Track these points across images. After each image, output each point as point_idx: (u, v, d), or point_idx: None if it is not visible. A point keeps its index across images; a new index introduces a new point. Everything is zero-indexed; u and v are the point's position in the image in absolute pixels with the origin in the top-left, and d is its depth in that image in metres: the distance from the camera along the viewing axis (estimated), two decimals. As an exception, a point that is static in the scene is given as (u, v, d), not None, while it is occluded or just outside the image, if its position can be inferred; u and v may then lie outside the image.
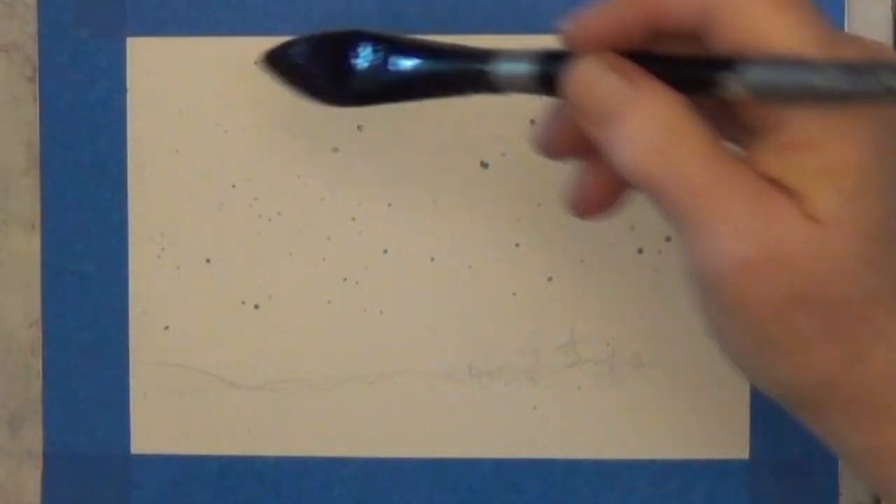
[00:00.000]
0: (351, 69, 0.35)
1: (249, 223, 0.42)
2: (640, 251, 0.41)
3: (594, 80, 0.30)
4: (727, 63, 0.29)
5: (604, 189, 0.34)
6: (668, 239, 0.41)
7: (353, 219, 0.42)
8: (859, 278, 0.30)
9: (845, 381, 0.31)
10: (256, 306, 0.42)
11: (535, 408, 0.42)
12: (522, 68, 0.32)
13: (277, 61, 0.37)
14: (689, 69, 0.30)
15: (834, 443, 0.33)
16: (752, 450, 0.41)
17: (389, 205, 0.41)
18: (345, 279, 0.42)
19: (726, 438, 0.41)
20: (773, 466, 0.41)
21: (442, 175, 0.41)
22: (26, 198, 0.42)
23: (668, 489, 0.41)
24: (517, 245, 0.41)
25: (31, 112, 0.42)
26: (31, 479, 0.43)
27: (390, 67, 0.35)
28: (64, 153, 0.42)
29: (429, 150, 0.41)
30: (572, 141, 0.33)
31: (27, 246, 0.42)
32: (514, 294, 0.41)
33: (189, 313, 0.42)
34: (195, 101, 0.41)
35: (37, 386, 0.42)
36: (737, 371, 0.32)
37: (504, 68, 0.32)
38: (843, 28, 0.40)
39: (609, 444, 0.41)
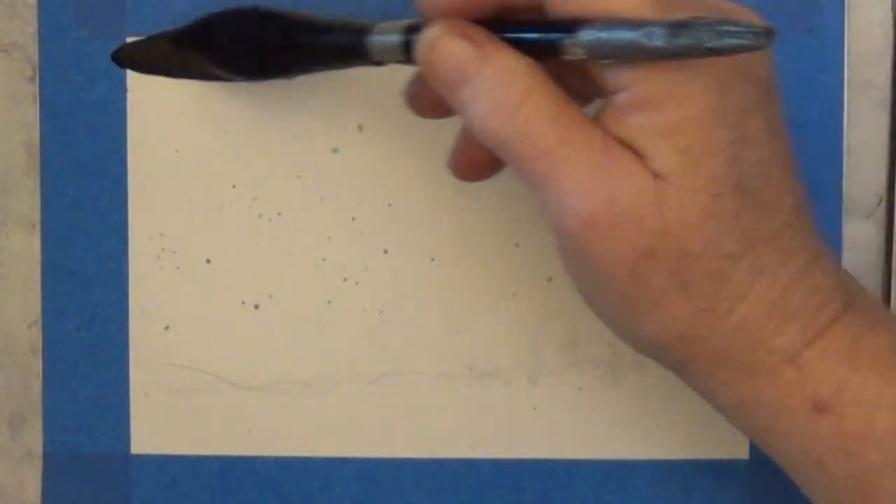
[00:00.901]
0: (243, 47, 0.38)
1: (250, 223, 0.42)
2: (640, 251, 0.41)
3: (442, 45, 0.31)
4: (568, 27, 0.30)
5: (476, 152, 0.35)
6: (668, 239, 0.41)
7: (354, 219, 0.42)
8: (707, 234, 0.30)
9: (705, 335, 0.32)
10: (256, 306, 0.42)
11: (535, 408, 0.42)
12: (394, 39, 0.33)
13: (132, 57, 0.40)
14: (536, 34, 0.31)
15: (710, 399, 0.34)
16: (753, 449, 0.41)
17: (389, 205, 0.41)
18: (345, 279, 0.42)
19: (726, 438, 0.41)
20: (773, 466, 0.41)
21: (442, 175, 0.41)
22: (26, 198, 0.42)
23: (668, 489, 0.41)
24: (517, 245, 0.41)
25: (32, 112, 0.42)
26: (31, 479, 0.43)
27: (278, 42, 0.37)
28: (64, 153, 0.42)
29: (429, 150, 0.41)
30: (436, 102, 0.33)
31: (27, 246, 0.42)
32: (514, 294, 0.41)
33: (189, 313, 0.42)
34: (195, 101, 0.41)
35: (37, 386, 0.42)
36: (607, 326, 0.33)
37: (379, 40, 0.34)
38: (843, 30, 0.40)
39: (609, 444, 0.41)
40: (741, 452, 0.41)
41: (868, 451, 0.32)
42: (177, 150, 0.42)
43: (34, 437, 0.42)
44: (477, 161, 0.36)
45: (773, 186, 0.31)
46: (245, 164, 0.41)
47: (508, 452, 0.42)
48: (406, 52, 0.33)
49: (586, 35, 0.30)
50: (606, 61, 0.30)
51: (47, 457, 0.42)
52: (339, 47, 0.35)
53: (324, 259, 0.42)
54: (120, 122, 0.42)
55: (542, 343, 0.41)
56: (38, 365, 0.42)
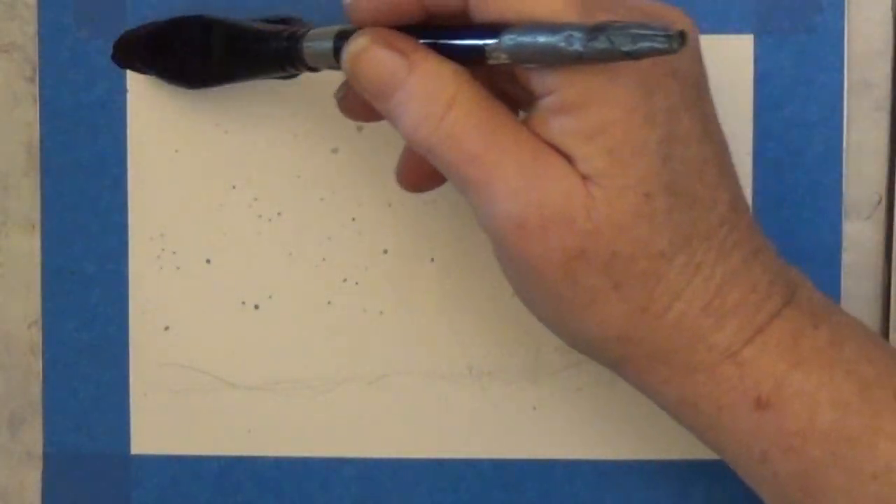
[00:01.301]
0: (185, 54, 0.38)
1: (249, 223, 0.42)
2: (640, 251, 0.41)
3: (368, 56, 0.31)
4: (490, 31, 0.30)
5: (419, 162, 0.34)
6: (667, 239, 0.41)
7: (353, 219, 0.42)
8: (637, 233, 0.30)
9: (641, 335, 0.32)
10: (256, 307, 0.42)
11: (534, 408, 0.42)
12: (325, 45, 0.33)
13: (123, 54, 0.40)
14: (460, 40, 0.31)
15: (652, 397, 0.34)
16: (752, 450, 0.41)
17: (389, 205, 0.41)
18: (345, 279, 0.42)
19: (726, 439, 0.41)
20: (772, 467, 0.41)
21: (442, 175, 0.41)
22: (26, 198, 0.42)
23: (666, 489, 0.41)
24: (517, 245, 0.41)
25: (31, 112, 0.42)
26: (31, 480, 0.43)
27: (215, 50, 0.37)
28: (64, 154, 0.42)
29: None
30: (366, 106, 0.33)
31: (27, 246, 0.42)
32: (513, 294, 0.41)
33: (189, 314, 0.42)
34: (195, 101, 0.41)
35: (37, 386, 0.42)
36: (546, 328, 0.33)
37: (311, 46, 0.34)
38: (843, 30, 0.40)
39: (609, 444, 0.41)
40: (741, 452, 0.41)
41: (811, 447, 0.32)
42: (176, 151, 0.42)
43: (34, 437, 0.42)
44: (421, 171, 0.36)
45: (707, 184, 0.31)
46: (245, 164, 0.41)
47: (508, 452, 0.42)
48: (337, 59, 0.33)
49: (507, 39, 0.30)
50: (529, 65, 0.30)
51: (47, 457, 0.42)
52: (277, 54, 0.35)
53: (324, 259, 0.42)
54: (120, 122, 0.42)
55: (542, 343, 0.41)
56: (38, 365, 0.42)
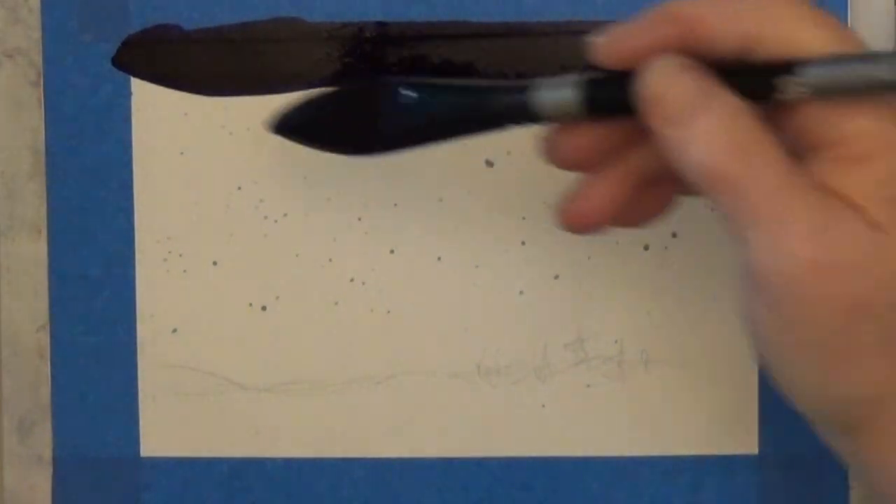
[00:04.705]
0: (383, 118, 0.36)
1: (256, 225, 0.42)
2: (647, 247, 0.41)
3: (671, 79, 0.31)
4: (784, 66, 0.30)
5: (607, 202, 0.34)
6: (674, 235, 0.41)
7: (360, 219, 0.42)
8: None
9: None
10: (264, 308, 0.42)
11: (543, 406, 0.42)
12: (565, 94, 0.32)
13: (292, 124, 0.37)
14: (748, 75, 0.31)
15: (873, 467, 0.32)
16: (761, 445, 0.41)
17: (395, 205, 0.41)
18: (352, 280, 0.42)
19: (735, 434, 0.41)
20: (782, 461, 0.41)
21: (447, 174, 0.41)
22: (32, 203, 0.42)
23: (677, 485, 0.41)
24: (523, 243, 0.41)
25: (36, 117, 0.42)
26: (41, 484, 0.43)
27: (424, 110, 0.35)
28: (69, 158, 0.42)
29: (434, 150, 0.41)
30: (585, 154, 0.33)
31: (34, 251, 0.42)
32: (521, 292, 0.41)
33: (197, 316, 0.42)
34: (200, 103, 0.41)
35: (45, 390, 0.42)
36: (779, 386, 0.32)
37: (546, 96, 0.33)
38: (846, 25, 0.40)
39: (618, 441, 0.41)
40: (750, 447, 0.41)
41: None
42: (182, 153, 0.42)
43: (43, 441, 0.42)
44: (605, 210, 0.34)
45: None
46: (250, 165, 0.41)
47: (517, 451, 0.42)
48: (585, 107, 0.32)
49: (810, 71, 0.30)
50: (829, 96, 0.30)
51: (57, 461, 0.42)
52: (500, 108, 0.33)
53: (330, 260, 0.42)
54: (125, 125, 0.42)
55: (550, 341, 0.41)
56: (47, 369, 0.42)
